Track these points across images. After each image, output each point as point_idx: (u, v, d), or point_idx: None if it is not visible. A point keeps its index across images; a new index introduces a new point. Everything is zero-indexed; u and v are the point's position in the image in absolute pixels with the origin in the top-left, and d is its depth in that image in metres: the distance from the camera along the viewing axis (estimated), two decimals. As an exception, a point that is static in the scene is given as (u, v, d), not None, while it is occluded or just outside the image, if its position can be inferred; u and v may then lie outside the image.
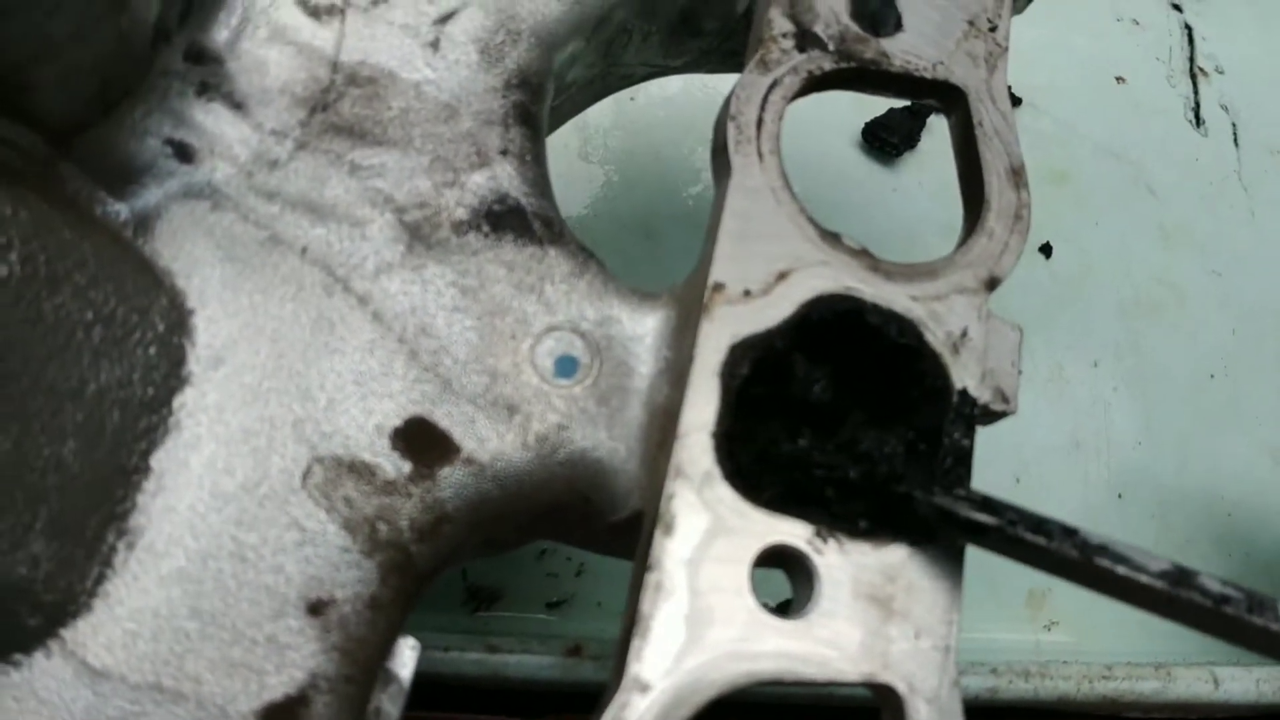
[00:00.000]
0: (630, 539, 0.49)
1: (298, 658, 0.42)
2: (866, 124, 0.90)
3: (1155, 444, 0.88)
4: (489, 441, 0.46)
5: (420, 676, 0.46)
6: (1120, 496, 0.85)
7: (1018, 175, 0.54)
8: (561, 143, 0.91)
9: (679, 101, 0.93)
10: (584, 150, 0.89)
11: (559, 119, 0.65)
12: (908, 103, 0.92)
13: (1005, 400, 0.49)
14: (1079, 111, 0.99)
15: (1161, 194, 0.98)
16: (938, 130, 0.92)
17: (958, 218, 0.89)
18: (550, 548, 0.72)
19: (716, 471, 0.44)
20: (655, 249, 0.84)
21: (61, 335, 0.40)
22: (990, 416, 0.49)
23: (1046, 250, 0.93)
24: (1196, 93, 1.05)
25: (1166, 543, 0.85)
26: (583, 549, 0.56)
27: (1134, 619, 0.83)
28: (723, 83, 0.67)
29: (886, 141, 0.88)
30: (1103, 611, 0.82)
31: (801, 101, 0.52)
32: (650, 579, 0.42)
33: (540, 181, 0.51)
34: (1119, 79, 1.03)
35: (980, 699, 0.69)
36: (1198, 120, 1.03)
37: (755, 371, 0.46)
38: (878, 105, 0.92)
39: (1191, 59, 1.06)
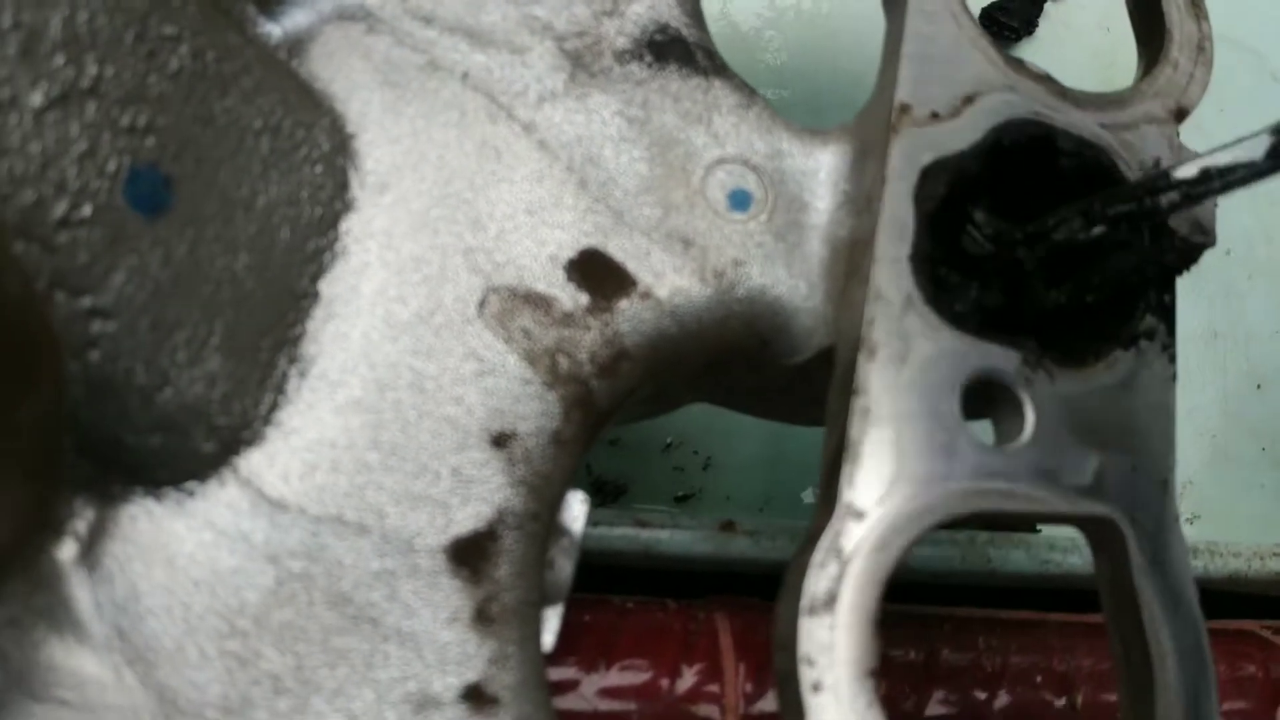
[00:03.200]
0: (807, 389, 0.46)
1: (484, 491, 0.39)
2: (984, 9, 0.86)
3: (1294, 334, 0.84)
4: (665, 275, 0.43)
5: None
6: (1259, 388, 0.82)
7: (1197, 6, 0.51)
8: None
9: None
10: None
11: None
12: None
13: (1204, 232, 0.46)
14: None
15: (1287, 81, 0.94)
16: (1055, 17, 0.88)
17: (1080, 104, 0.86)
18: (676, 441, 0.70)
19: (918, 295, 0.41)
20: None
21: (232, 140, 0.37)
22: (1190, 250, 0.46)
23: (1172, 137, 0.89)
24: (1318, -21, 1.01)
25: (1307, 435, 0.82)
26: (745, 411, 0.53)
27: (1278, 512, 0.81)
28: None
29: (1005, 26, 0.84)
30: (1246, 505, 0.79)
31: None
32: (857, 404, 0.39)
33: (698, 14, 0.48)
34: (1236, -38, 1.00)
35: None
36: (1321, 7, 0.99)
37: (950, 194, 0.43)
38: (995, -9, 0.88)
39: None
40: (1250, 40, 0.93)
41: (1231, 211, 0.88)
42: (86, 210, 0.32)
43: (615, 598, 0.54)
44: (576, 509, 0.44)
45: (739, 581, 0.59)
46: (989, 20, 0.84)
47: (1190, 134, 0.91)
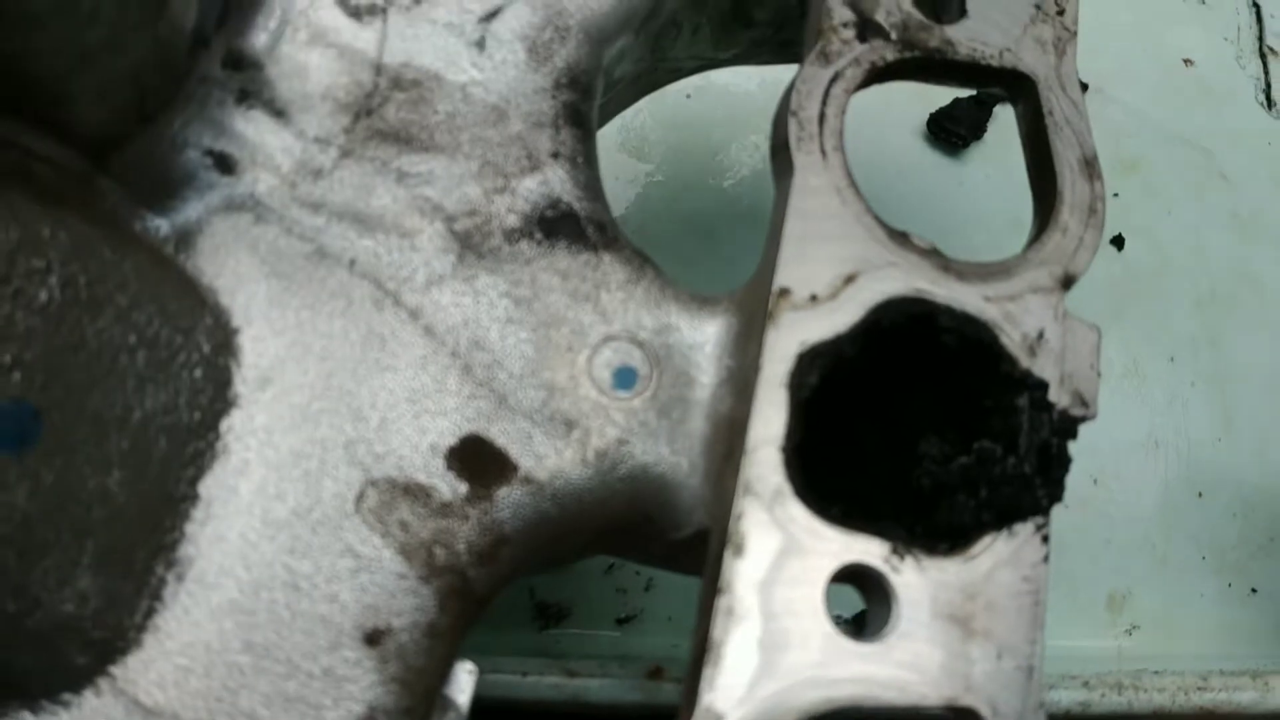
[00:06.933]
0: (693, 556, 0.47)
1: (355, 690, 0.40)
2: (931, 115, 0.87)
3: (1236, 441, 0.84)
4: (547, 459, 0.44)
5: (497, 702, 0.44)
6: (1200, 495, 0.82)
7: (1091, 166, 0.52)
8: (614, 142, 0.89)
9: (736, 95, 0.91)
10: (637, 149, 0.87)
11: (604, 116, 0.63)
12: (974, 92, 0.90)
13: (1084, 404, 0.47)
14: (1147, 97, 0.95)
15: (1235, 180, 0.94)
16: (1005, 120, 0.89)
17: (1028, 211, 0.86)
18: (618, 563, 0.70)
19: (787, 488, 0.42)
20: (715, 249, 0.82)
21: (104, 361, 0.38)
22: (1068, 423, 0.46)
23: (1119, 242, 0.89)
24: (1267, 73, 1.00)
25: (1249, 542, 0.82)
26: (645, 565, 0.54)
27: (1217, 622, 0.81)
28: (783, 72, 0.65)
29: (952, 133, 0.85)
30: (1186, 615, 0.79)
31: (864, 92, 0.50)
32: (721, 603, 0.40)
33: (592, 184, 0.49)
34: (1187, 61, 1.00)
35: (1072, 713, 0.66)
36: (1269, 102, 0.99)
37: (825, 381, 0.44)
38: (942, 96, 0.89)
39: (1260, 38, 1.02)
40: (1201, 138, 0.94)
41: (1177, 317, 0.89)
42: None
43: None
44: (463, 680, 0.45)
45: None
46: (936, 127, 0.85)
47: (1136, 239, 0.92)
